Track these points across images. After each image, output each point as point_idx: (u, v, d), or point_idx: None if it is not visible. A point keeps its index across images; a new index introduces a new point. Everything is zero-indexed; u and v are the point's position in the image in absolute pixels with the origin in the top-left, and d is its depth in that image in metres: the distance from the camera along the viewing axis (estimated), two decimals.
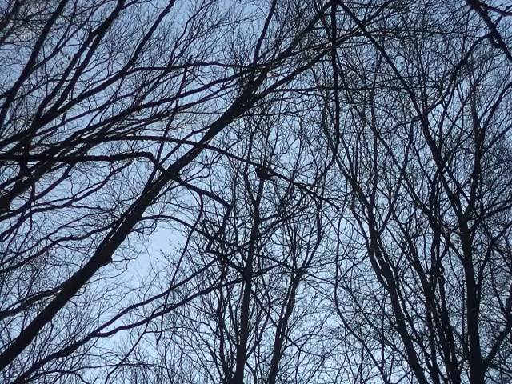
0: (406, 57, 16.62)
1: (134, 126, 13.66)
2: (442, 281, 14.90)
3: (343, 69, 13.65)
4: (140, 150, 14.61)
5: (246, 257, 17.43)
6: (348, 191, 17.64)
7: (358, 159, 17.76)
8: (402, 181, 17.38)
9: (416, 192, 16.81)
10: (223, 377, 17.01)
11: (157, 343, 18.25)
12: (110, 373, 12.37)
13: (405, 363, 16.79)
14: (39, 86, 14.56)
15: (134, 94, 14.56)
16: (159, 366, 17.78)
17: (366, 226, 17.35)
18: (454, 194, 16.03)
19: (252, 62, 13.22)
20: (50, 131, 13.49)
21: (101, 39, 12.04)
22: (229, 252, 15.19)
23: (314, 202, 16.40)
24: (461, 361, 14.93)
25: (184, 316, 17.91)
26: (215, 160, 14.95)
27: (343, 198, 17.44)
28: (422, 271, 15.65)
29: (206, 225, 16.24)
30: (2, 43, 14.97)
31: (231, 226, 17.70)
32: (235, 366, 16.79)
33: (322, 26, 13.11)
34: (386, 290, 16.62)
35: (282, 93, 14.20)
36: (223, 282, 17.26)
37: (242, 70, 13.26)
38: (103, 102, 15.74)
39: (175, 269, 16.53)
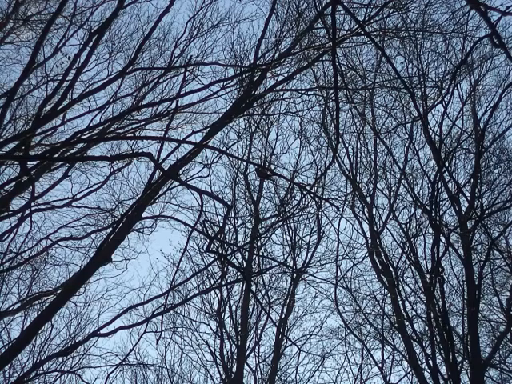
0: (406, 57, 16.64)
1: (134, 126, 13.66)
2: (442, 281, 14.90)
3: (343, 69, 13.65)
4: (140, 150, 14.61)
5: (246, 257, 17.43)
6: (348, 191, 17.66)
7: (358, 159, 17.78)
8: (402, 181, 17.39)
9: (416, 192, 16.81)
10: (223, 377, 17.01)
11: (157, 343, 18.27)
12: (110, 373, 12.39)
13: (405, 363, 16.81)
14: (39, 86, 14.57)
15: (134, 94, 14.57)
16: (159, 366, 17.80)
17: (366, 226, 17.38)
18: (453, 194, 16.03)
19: (252, 61, 13.23)
20: (50, 131, 13.50)
21: (101, 39, 12.04)
22: (229, 252, 15.19)
23: (313, 202, 16.41)
24: (461, 361, 14.93)
25: (184, 316, 17.93)
26: (215, 160, 14.97)
27: (343, 198, 17.46)
28: (422, 271, 15.65)
29: (206, 225, 16.24)
30: (2, 43, 14.97)
31: (231, 226, 17.72)
32: (235, 366, 16.79)
33: (322, 26, 13.11)
34: (385, 290, 16.63)
35: (282, 93, 14.21)
36: (223, 282, 17.26)
37: (242, 69, 13.26)
38: (103, 102, 15.77)
39: (175, 269, 16.56)
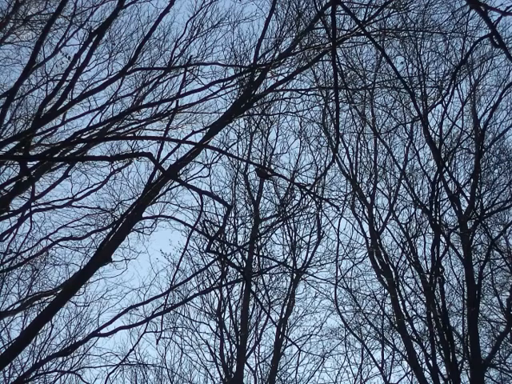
0: (406, 57, 16.64)
1: (134, 125, 13.66)
2: (442, 281, 14.90)
3: (343, 69, 13.65)
4: (140, 150, 14.62)
5: (246, 257, 17.43)
6: (348, 191, 17.66)
7: (358, 159, 17.78)
8: (402, 181, 17.39)
9: (416, 192, 16.81)
10: (223, 377, 17.01)
11: (157, 343, 18.27)
12: (110, 373, 12.39)
13: (405, 363, 16.81)
14: (39, 86, 14.57)
15: (134, 94, 14.57)
16: (159, 366, 17.80)
17: (366, 226, 17.38)
18: (453, 194, 16.03)
19: (252, 61, 13.23)
20: (50, 131, 13.50)
21: (101, 39, 12.04)
22: (229, 252, 15.19)
23: (313, 202, 16.41)
24: (461, 361, 14.93)
25: (184, 316, 17.93)
26: (215, 160, 14.97)
27: (343, 198, 17.46)
28: (422, 271, 15.65)
29: (206, 225, 16.24)
30: (2, 43, 14.97)
31: (231, 226, 17.72)
32: (235, 366, 16.79)
33: (322, 26, 13.11)
34: (386, 290, 16.63)
35: (282, 93, 14.21)
36: (223, 282, 17.26)
37: (242, 69, 13.26)
38: (103, 102, 15.77)
39: (175, 269, 16.56)
